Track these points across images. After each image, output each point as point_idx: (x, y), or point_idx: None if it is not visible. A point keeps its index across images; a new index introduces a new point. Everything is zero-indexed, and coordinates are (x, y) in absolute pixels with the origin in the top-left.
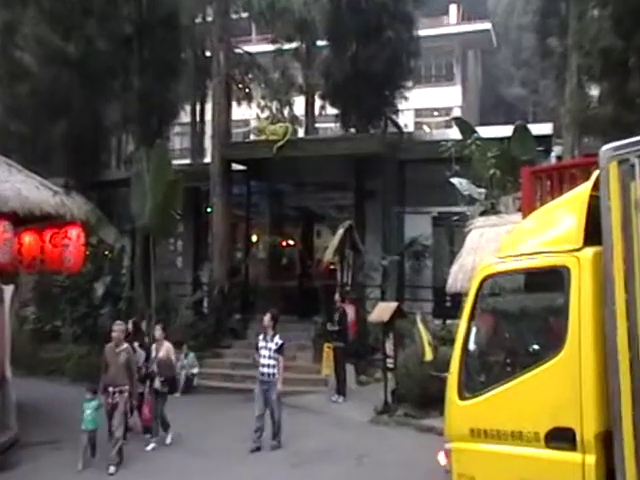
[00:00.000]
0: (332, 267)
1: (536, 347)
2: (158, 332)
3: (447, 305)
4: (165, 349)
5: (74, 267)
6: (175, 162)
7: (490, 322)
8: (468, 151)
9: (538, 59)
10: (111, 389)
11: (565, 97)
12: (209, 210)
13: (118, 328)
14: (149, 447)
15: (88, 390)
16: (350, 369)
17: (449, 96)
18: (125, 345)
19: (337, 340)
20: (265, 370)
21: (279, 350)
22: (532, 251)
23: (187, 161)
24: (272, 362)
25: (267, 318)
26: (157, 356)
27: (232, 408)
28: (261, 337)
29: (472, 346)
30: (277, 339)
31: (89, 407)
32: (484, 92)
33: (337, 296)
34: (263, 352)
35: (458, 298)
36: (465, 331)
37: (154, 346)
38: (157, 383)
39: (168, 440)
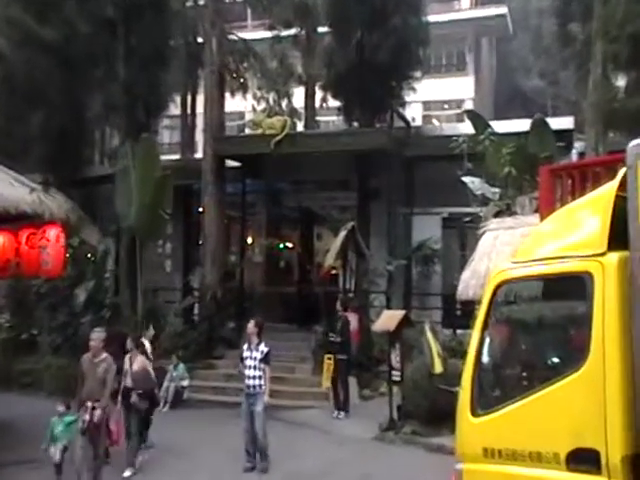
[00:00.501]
0: (334, 272)
1: (556, 360)
2: (131, 343)
3: (458, 314)
4: (140, 360)
5: (53, 271)
6: (164, 157)
7: (505, 332)
8: (481, 147)
9: (558, 47)
10: (89, 404)
11: (588, 88)
12: (201, 210)
13: (96, 336)
14: (126, 473)
15: (61, 403)
16: (353, 382)
17: (461, 87)
18: (104, 355)
19: (339, 352)
20: (250, 382)
21: (265, 359)
22: (551, 256)
23: (177, 157)
24: (258, 373)
25: (251, 325)
26: (131, 369)
27: (225, 423)
28: (245, 346)
29: (485, 358)
30: (262, 347)
31: (61, 423)
32: (499, 83)
33: (339, 305)
34: (248, 362)
35: (470, 306)
36: (478, 342)
37: (127, 358)
38: (134, 398)
39: (138, 461)
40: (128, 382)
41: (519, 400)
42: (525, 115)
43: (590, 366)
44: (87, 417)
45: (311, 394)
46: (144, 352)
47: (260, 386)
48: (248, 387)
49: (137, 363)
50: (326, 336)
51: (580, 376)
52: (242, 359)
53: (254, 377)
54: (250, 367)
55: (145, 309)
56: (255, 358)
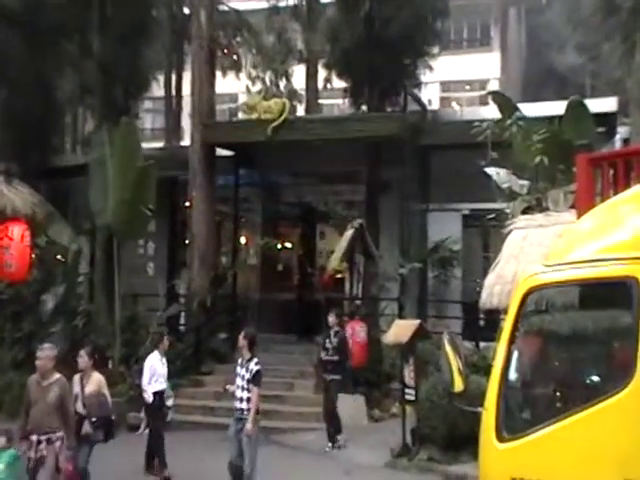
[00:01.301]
0: (338, 276)
1: (596, 378)
2: (83, 360)
3: (481, 324)
4: (95, 382)
5: (17, 274)
6: (145, 145)
7: (536, 346)
8: (508, 134)
9: (599, 17)
10: (35, 437)
11: (634, 64)
12: (188, 205)
13: (45, 355)
14: None
15: (1, 435)
16: (360, 402)
17: (485, 65)
18: (57, 376)
19: (333, 372)
20: (238, 405)
21: (253, 379)
22: (590, 258)
23: (160, 144)
24: (245, 395)
25: (240, 337)
26: (83, 392)
27: (214, 449)
28: (239, 361)
29: (513, 375)
30: (252, 365)
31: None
32: (529, 60)
33: (332, 317)
34: (238, 381)
35: (494, 316)
36: (504, 357)
37: (76, 378)
38: (87, 427)
39: None
40: (79, 408)
41: (553, 424)
42: (559, 96)
43: (637, 385)
44: (32, 454)
45: (313, 415)
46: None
47: (248, 410)
48: (236, 410)
49: (91, 384)
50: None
51: (626, 396)
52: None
53: (241, 399)
54: (239, 387)
55: (124, 318)
56: (243, 377)
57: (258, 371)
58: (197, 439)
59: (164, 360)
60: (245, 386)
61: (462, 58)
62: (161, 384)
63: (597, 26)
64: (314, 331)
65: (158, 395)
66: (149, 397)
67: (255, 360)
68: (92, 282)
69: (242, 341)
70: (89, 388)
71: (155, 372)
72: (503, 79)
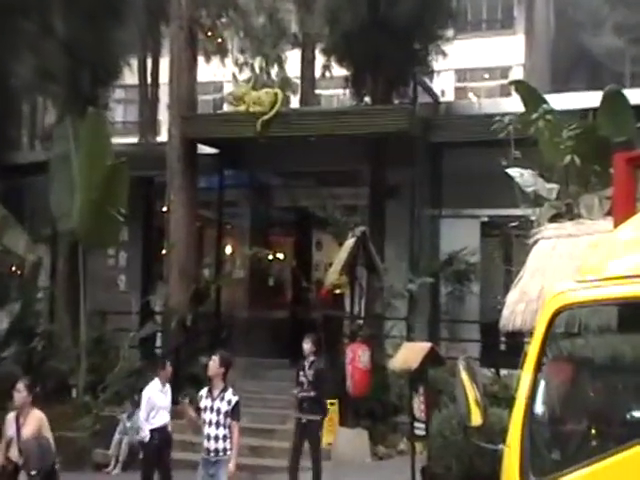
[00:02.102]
0: (338, 292)
1: (638, 412)
2: (21, 395)
3: (502, 349)
4: (34, 421)
5: None
6: (116, 140)
7: (566, 374)
8: (533, 129)
9: None
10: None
11: None
12: (165, 210)
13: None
14: None
15: None
16: (363, 437)
17: (507, 50)
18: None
19: (310, 411)
20: (211, 445)
21: (234, 412)
22: (629, 273)
23: (134, 139)
24: (221, 432)
25: (213, 363)
26: (19, 434)
27: None
28: (204, 392)
29: (540, 408)
30: (229, 395)
31: None
32: (558, 44)
33: (307, 344)
34: (207, 416)
35: (518, 339)
36: (529, 386)
37: (10, 417)
38: None
39: None
40: (13, 455)
41: (588, 465)
42: (594, 86)
43: None
44: None
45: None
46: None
47: (225, 450)
48: (207, 451)
49: (30, 424)
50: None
51: None
52: (198, 409)
53: (216, 437)
54: (211, 423)
55: (90, 339)
56: (219, 410)
57: (238, 402)
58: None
59: (166, 389)
60: (221, 421)
61: (480, 42)
62: (162, 418)
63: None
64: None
65: (158, 432)
66: (145, 435)
67: (231, 389)
68: (53, 298)
69: (216, 368)
70: (27, 430)
71: (154, 405)
72: (528, 66)
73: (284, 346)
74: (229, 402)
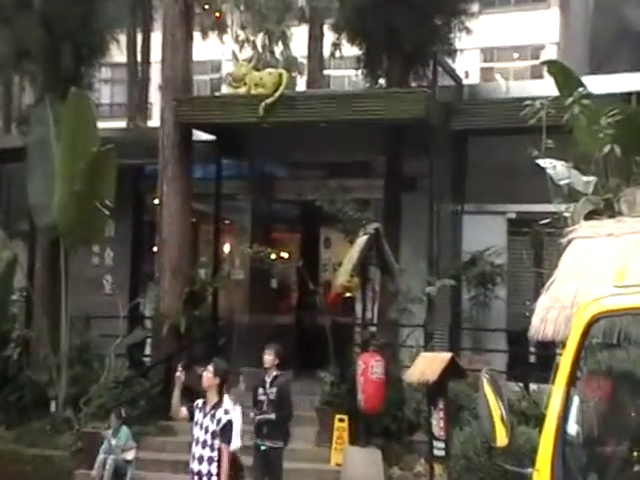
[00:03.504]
0: (348, 295)
1: None
2: None
3: (531, 361)
4: None
5: None
6: (103, 125)
7: (603, 389)
8: (568, 115)
9: None
10: None
11: None
12: (157, 203)
13: None
14: None
15: None
16: (376, 457)
17: (539, 27)
18: None
19: (270, 437)
20: (195, 466)
21: (223, 434)
22: None
23: (122, 124)
24: (207, 453)
25: (207, 374)
26: None
27: None
28: (199, 404)
29: (573, 427)
30: (221, 413)
31: None
32: (598, 20)
33: (269, 355)
34: (196, 433)
35: (549, 350)
36: (562, 403)
37: None
38: None
39: None
40: None
41: None
42: (637, 68)
43: None
44: None
45: (314, 473)
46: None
47: (209, 475)
48: (192, 474)
49: None
50: (334, 386)
51: None
52: (193, 422)
53: (200, 458)
54: (197, 441)
55: (72, 346)
56: (207, 429)
57: (229, 422)
58: None
59: (236, 409)
60: (208, 441)
61: (509, 17)
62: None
63: None
64: (317, 365)
65: None
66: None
67: (224, 407)
68: (30, 300)
69: (211, 379)
70: None
71: None
72: (563, 44)
73: (288, 355)
74: (219, 421)
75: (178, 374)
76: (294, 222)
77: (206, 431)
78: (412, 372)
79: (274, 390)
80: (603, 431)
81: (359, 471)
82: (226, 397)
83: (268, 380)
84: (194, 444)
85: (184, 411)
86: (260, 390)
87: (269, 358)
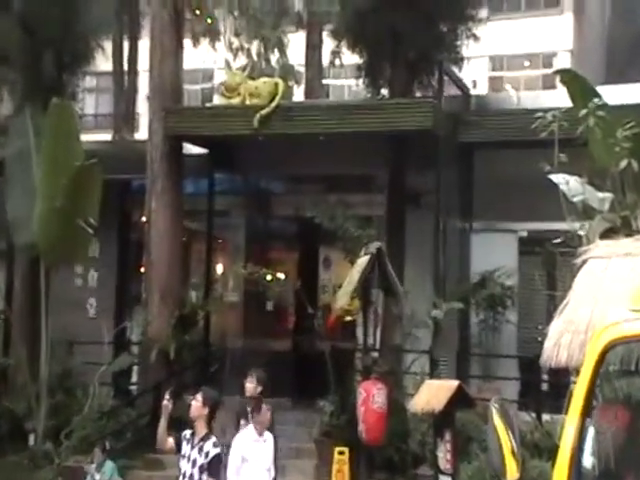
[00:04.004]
0: (349, 319)
1: None
2: None
3: (544, 389)
4: None
5: None
6: (87, 137)
7: (620, 420)
8: (583, 128)
9: None
10: None
11: None
12: (145, 220)
13: None
14: None
15: None
16: None
17: (551, 34)
18: None
19: None
20: None
21: (211, 468)
22: None
23: (108, 136)
24: None
25: (194, 403)
26: None
27: None
28: (187, 435)
29: (588, 460)
30: (209, 446)
31: None
32: (614, 26)
33: (252, 383)
34: (183, 466)
35: (563, 378)
36: (576, 434)
37: None
38: None
39: None
40: None
41: None
42: None
43: None
44: None
45: None
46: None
47: None
48: None
49: None
50: (333, 416)
51: None
52: (180, 454)
53: None
54: (185, 475)
55: (53, 374)
56: (194, 462)
57: (218, 455)
58: None
59: (265, 439)
60: (195, 476)
61: (520, 23)
62: (257, 477)
63: None
64: (315, 393)
65: None
66: None
67: (213, 439)
68: (8, 324)
69: (199, 408)
70: None
71: (247, 460)
72: (577, 52)
73: (285, 383)
74: (207, 454)
75: (165, 402)
76: (291, 240)
77: (193, 464)
78: (417, 401)
79: (204, 455)
80: (620, 464)
81: None
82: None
83: (250, 409)
84: (181, 478)
85: (170, 442)
86: (242, 421)
87: (251, 386)
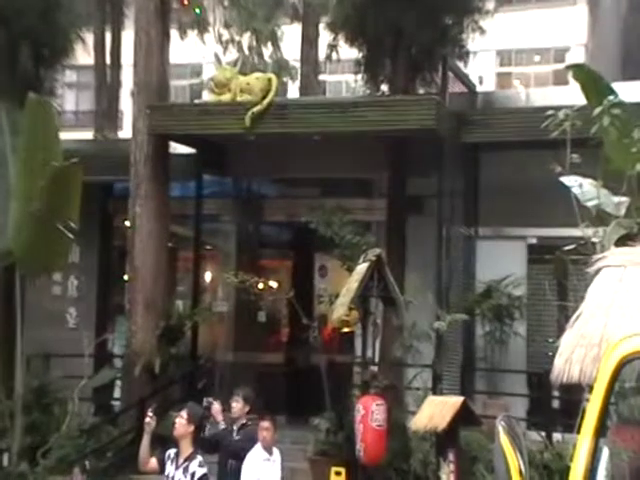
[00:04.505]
0: (346, 330)
1: None
2: None
3: (554, 406)
4: None
5: None
6: (66, 136)
7: (636, 440)
8: (597, 127)
9: None
10: None
11: None
12: (128, 225)
13: None
14: None
15: None
16: None
17: (563, 27)
18: None
19: None
20: None
21: None
22: None
23: (89, 135)
24: None
25: (179, 420)
26: None
27: None
28: (172, 454)
29: None
30: (195, 466)
31: None
32: (630, 19)
33: (239, 403)
34: None
35: (575, 395)
36: (589, 455)
37: None
38: None
39: None
40: None
41: None
42: None
43: None
44: None
45: None
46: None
47: None
48: None
49: None
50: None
51: None
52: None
53: None
54: None
55: (29, 389)
56: None
57: (204, 476)
58: None
59: (274, 458)
60: None
61: (529, 16)
62: None
63: None
64: (310, 410)
65: None
66: None
67: (199, 458)
68: None
69: (184, 426)
70: None
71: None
72: (591, 47)
73: (278, 399)
74: (192, 475)
75: (148, 420)
76: (285, 247)
77: None
78: (419, 419)
79: (238, 439)
80: None
81: None
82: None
83: (235, 429)
84: None
85: (153, 462)
86: (225, 442)
87: (237, 406)
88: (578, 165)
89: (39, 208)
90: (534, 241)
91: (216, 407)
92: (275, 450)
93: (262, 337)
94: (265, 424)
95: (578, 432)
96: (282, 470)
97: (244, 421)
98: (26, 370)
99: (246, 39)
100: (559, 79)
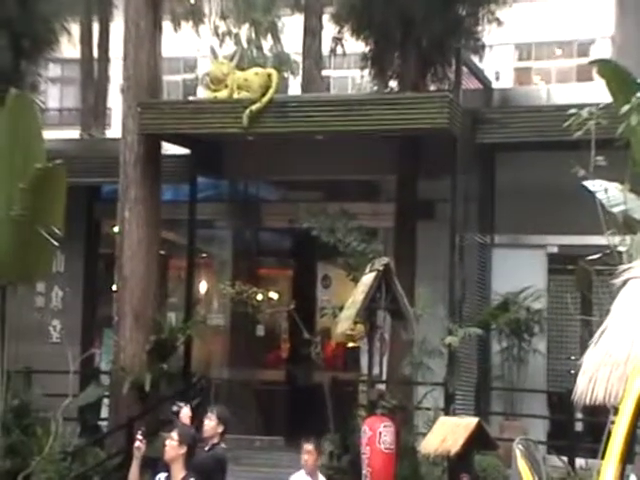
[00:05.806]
0: (351, 345)
1: None
2: None
3: (577, 429)
4: None
5: None
6: (50, 135)
7: None
8: (623, 127)
9: None
10: None
11: None
12: (117, 231)
13: None
14: None
15: None
16: None
17: (588, 18)
18: None
19: None
20: None
21: None
22: None
23: (75, 134)
24: None
25: (169, 442)
26: None
27: None
28: (162, 478)
29: None
30: None
31: None
32: None
33: (213, 421)
34: None
35: (599, 417)
36: None
37: None
38: None
39: None
40: None
41: None
42: None
43: None
44: None
45: None
46: None
47: None
48: None
49: None
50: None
51: None
52: None
53: None
54: None
55: (9, 408)
56: None
57: None
58: None
59: None
60: None
61: (550, 6)
62: None
63: None
64: (312, 431)
65: None
66: None
67: None
68: None
69: (175, 448)
70: None
71: None
72: (618, 40)
73: (277, 419)
74: None
75: (138, 444)
76: (285, 255)
77: None
78: (429, 441)
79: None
80: None
81: None
82: None
83: (206, 449)
84: None
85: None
86: None
87: (210, 424)
88: (603, 168)
89: (20, 213)
90: (555, 250)
91: (185, 412)
92: (320, 477)
93: (260, 353)
94: (308, 447)
95: (602, 457)
96: None
97: (216, 441)
98: (6, 387)
99: (244, 31)
100: (583, 75)
